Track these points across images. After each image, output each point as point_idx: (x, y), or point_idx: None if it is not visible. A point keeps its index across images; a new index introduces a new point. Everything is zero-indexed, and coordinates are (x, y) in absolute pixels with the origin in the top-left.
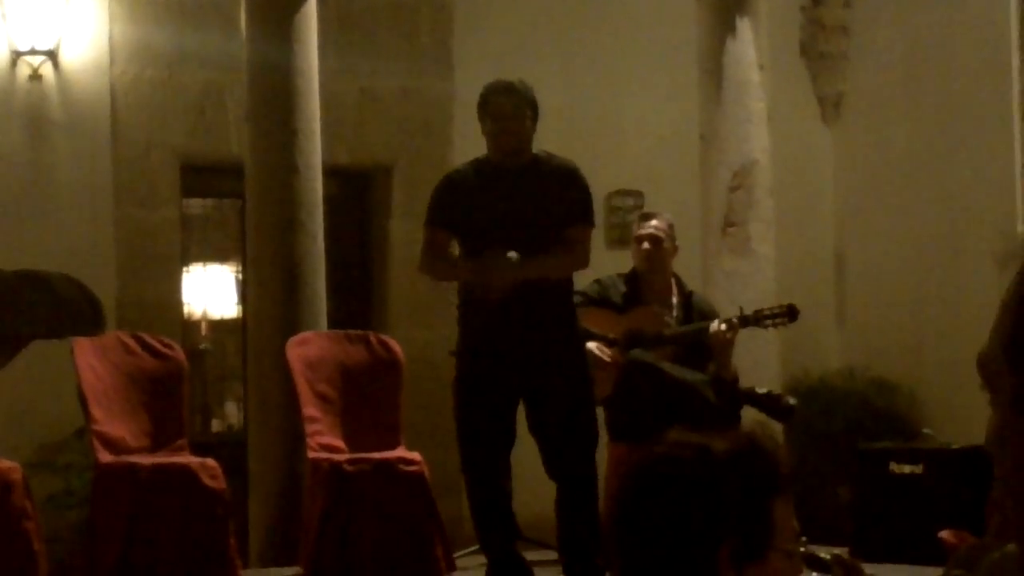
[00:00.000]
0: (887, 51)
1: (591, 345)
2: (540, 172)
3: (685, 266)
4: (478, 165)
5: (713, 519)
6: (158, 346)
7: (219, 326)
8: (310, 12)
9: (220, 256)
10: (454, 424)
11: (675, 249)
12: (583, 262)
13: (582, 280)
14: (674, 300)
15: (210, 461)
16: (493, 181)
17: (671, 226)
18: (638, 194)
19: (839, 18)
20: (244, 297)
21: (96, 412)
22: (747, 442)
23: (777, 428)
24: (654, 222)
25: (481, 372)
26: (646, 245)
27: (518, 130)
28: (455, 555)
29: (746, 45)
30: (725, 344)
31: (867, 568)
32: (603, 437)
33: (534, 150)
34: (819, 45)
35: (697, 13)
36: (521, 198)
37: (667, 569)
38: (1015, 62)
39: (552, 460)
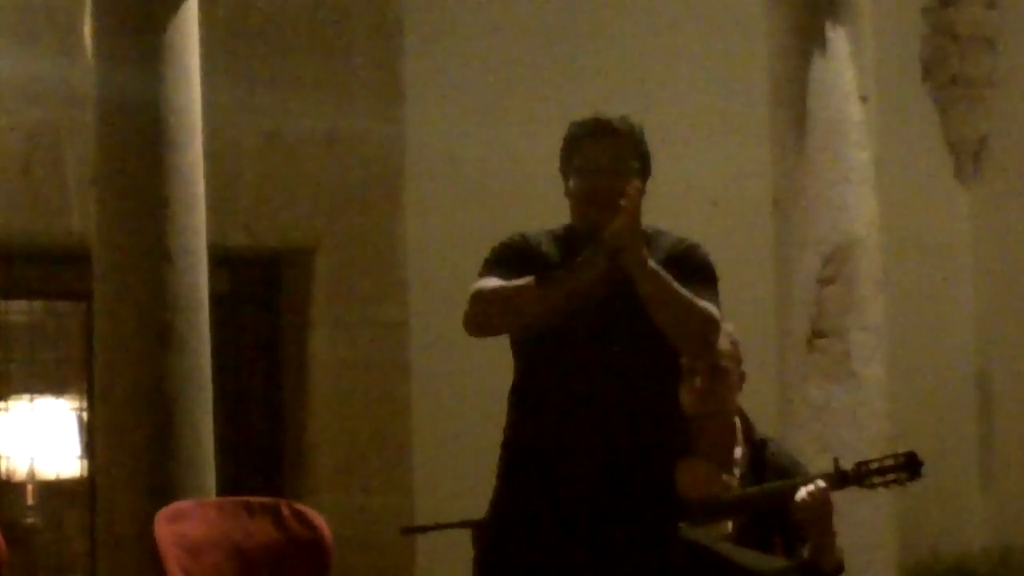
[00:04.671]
0: None
1: None
2: (649, 253)
3: (754, 396)
4: (561, 237)
5: None
6: None
7: (54, 491)
8: (189, 24)
9: (54, 385)
10: None
11: (742, 378)
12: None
13: None
14: (738, 451)
15: None
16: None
17: (735, 345)
18: None
19: (981, 23)
20: (91, 448)
21: None
22: None
23: None
24: None
25: (523, 556)
26: (699, 382)
27: (617, 190)
28: None
29: (841, 65)
30: (818, 515)
31: None
32: None
33: (643, 224)
34: (951, 65)
35: (768, 19)
36: (619, 290)
37: None
38: None
39: None
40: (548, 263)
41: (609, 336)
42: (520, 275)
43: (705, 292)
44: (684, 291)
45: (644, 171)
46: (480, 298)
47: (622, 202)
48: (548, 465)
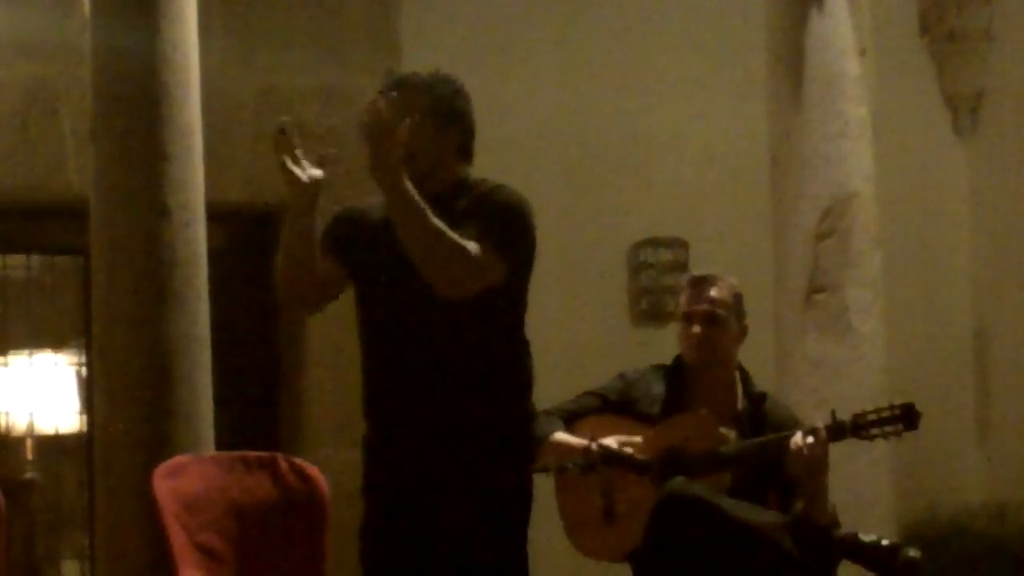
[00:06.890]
0: None
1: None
2: (452, 205)
3: (751, 350)
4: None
5: None
6: None
7: (52, 446)
8: None
9: (52, 340)
10: None
11: (743, 331)
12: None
13: (599, 374)
14: (738, 406)
15: None
16: (388, 221)
17: (737, 298)
18: (679, 244)
19: None
20: (90, 403)
21: None
22: None
23: None
24: (712, 292)
25: (381, 512)
26: (698, 328)
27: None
28: None
29: (838, 20)
30: (813, 467)
31: None
32: None
33: (465, 176)
34: (948, 19)
35: None
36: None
37: None
38: None
39: None
40: (371, 227)
41: (412, 289)
42: (346, 244)
43: (478, 230)
44: (436, 221)
45: (442, 123)
46: (277, 274)
47: (363, 117)
48: (382, 431)
